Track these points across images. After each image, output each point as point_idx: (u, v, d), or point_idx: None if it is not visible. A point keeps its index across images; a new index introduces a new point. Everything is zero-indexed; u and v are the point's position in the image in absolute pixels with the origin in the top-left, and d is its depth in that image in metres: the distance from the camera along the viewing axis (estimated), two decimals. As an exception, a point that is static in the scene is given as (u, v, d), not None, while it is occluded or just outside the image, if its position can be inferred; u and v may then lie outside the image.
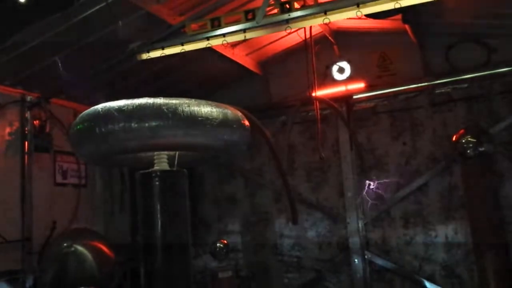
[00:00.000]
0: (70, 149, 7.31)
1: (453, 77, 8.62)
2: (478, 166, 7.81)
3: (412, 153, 9.07)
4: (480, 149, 7.66)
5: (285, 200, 9.09)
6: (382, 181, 9.17)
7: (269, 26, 6.32)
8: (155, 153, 4.80)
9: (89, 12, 6.36)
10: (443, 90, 8.82)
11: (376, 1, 5.65)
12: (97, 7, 6.29)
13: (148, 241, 4.69)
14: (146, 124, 4.18)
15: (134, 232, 9.17)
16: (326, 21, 6.04)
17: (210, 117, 4.37)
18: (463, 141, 7.80)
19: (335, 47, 9.32)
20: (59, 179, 8.30)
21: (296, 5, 6.16)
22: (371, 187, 9.28)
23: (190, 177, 4.98)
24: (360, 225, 9.27)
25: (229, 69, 9.35)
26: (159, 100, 4.28)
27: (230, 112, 4.62)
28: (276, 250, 10.01)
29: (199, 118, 4.31)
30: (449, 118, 8.80)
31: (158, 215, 4.62)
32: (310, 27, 7.76)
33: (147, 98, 4.31)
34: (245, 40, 7.31)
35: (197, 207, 10.37)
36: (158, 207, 4.64)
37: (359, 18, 6.35)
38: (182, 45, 6.71)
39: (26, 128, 7.71)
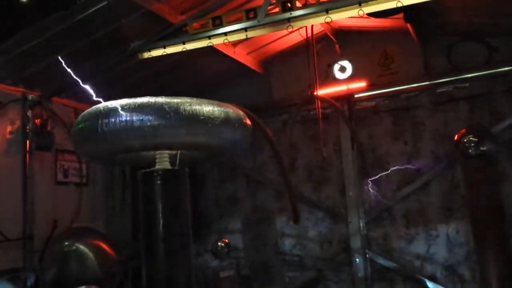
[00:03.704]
0: (72, 148, 7.31)
1: (454, 76, 8.60)
2: (480, 165, 7.79)
3: (414, 153, 9.06)
4: (482, 148, 7.64)
5: (286, 199, 9.08)
6: (383, 180, 9.16)
7: (270, 25, 6.31)
8: (157, 152, 4.79)
9: (91, 11, 6.36)
10: (444, 89, 8.81)
11: (378, 0, 5.65)
12: (99, 6, 6.28)
13: (150, 240, 4.70)
14: (148, 123, 4.18)
15: (136, 231, 9.18)
16: (328, 20, 6.03)
17: (212, 116, 4.37)
18: (465, 140, 7.77)
19: (336, 46, 9.30)
20: (60, 177, 8.29)
21: (298, 4, 6.15)
22: (373, 186, 9.27)
23: (191, 176, 4.97)
24: (361, 224, 9.26)
25: (230, 68, 9.33)
26: (161, 99, 4.29)
27: (232, 111, 4.62)
28: (277, 249, 10.01)
29: (201, 117, 4.32)
30: (451, 117, 8.78)
31: (160, 214, 4.62)
32: (312, 26, 7.76)
33: (148, 97, 4.31)
34: (246, 39, 7.30)
35: (198, 206, 10.37)
36: (160, 206, 4.64)
37: (361, 17, 6.36)
38: (184, 44, 6.71)
39: (28, 127, 7.71)
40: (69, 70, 7.20)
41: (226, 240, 9.33)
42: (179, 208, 4.78)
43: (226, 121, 4.48)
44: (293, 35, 8.70)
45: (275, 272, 10.01)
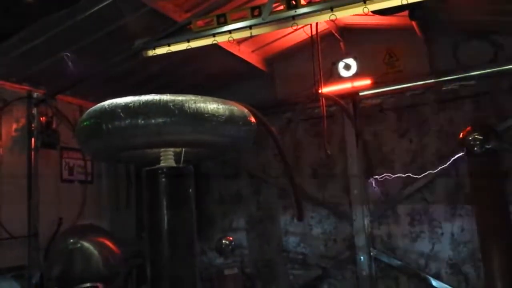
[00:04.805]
0: (77, 146, 7.34)
1: (460, 74, 8.58)
2: (485, 163, 7.78)
3: (419, 150, 9.04)
4: (487, 146, 7.63)
5: (290, 197, 9.08)
6: (388, 178, 9.15)
7: (275, 22, 6.30)
8: (161, 149, 4.79)
9: (95, 8, 6.37)
10: (450, 87, 8.79)
11: (383, -2, 5.63)
12: (103, 3, 6.30)
13: (154, 237, 4.70)
14: (153, 121, 4.17)
15: (140, 229, 9.19)
16: (333, 17, 6.02)
17: (217, 114, 4.36)
18: (470, 138, 7.76)
19: (341, 43, 9.29)
20: (65, 175, 8.33)
21: (303, 2, 6.15)
22: (377, 184, 9.26)
23: (196, 174, 4.97)
24: (365, 222, 9.25)
25: (235, 66, 9.33)
26: (166, 97, 4.27)
27: (237, 108, 4.61)
28: (282, 247, 10.01)
29: (206, 115, 4.30)
30: (456, 115, 8.76)
31: (164, 212, 4.62)
32: (317, 23, 7.76)
33: (153, 94, 4.30)
34: (251, 37, 7.30)
35: (203, 204, 10.38)
36: (164, 203, 4.64)
37: (366, 15, 6.34)
38: (188, 41, 6.71)
39: (33, 125, 7.74)
40: (73, 68, 7.23)
41: (230, 238, 9.34)
42: (184, 206, 4.78)
43: (231, 118, 4.47)
44: (298, 32, 8.69)
45: (279, 270, 10.01)
